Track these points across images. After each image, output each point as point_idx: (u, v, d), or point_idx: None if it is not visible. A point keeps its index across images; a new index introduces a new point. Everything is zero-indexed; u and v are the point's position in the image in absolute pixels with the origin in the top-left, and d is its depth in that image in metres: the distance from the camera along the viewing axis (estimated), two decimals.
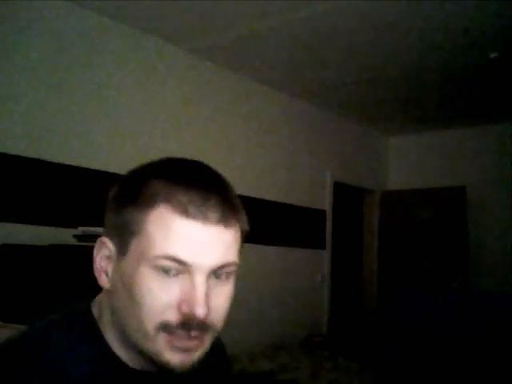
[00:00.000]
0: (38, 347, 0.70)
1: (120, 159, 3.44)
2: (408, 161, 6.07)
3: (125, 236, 0.70)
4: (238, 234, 0.73)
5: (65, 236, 2.71)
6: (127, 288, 0.69)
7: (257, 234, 4.35)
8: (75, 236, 2.57)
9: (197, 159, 0.77)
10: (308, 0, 3.11)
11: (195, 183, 0.69)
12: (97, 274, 0.74)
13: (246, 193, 4.30)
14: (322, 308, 5.13)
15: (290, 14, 3.29)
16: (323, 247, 5.17)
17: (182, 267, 0.67)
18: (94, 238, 2.64)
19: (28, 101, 3.00)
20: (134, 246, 0.68)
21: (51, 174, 3.06)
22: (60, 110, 3.15)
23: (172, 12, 3.30)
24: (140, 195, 0.69)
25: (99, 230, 2.73)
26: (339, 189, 5.48)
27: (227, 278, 0.72)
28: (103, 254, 0.74)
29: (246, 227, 0.75)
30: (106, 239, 0.74)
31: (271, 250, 4.54)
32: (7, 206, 2.86)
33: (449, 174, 5.65)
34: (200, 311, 0.65)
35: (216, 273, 0.70)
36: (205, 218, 0.67)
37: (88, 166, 3.23)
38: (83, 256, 2.42)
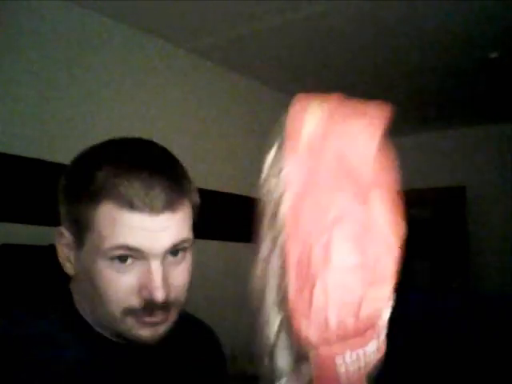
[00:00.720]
0: (21, 334, 0.71)
1: None
2: (408, 161, 6.03)
3: (79, 230, 0.72)
4: (189, 210, 0.75)
5: None
6: (89, 278, 0.71)
7: (257, 234, 4.35)
8: None
9: (140, 137, 0.80)
10: (308, 0, 3.11)
11: (138, 172, 0.69)
12: (61, 262, 0.76)
13: (246, 193, 4.30)
14: None
15: (290, 14, 3.29)
16: None
17: (135, 254, 0.69)
18: None
19: (28, 101, 3.00)
20: (88, 240, 0.71)
21: (51, 174, 3.05)
22: (60, 110, 3.15)
23: (172, 12, 3.30)
24: (86, 191, 0.71)
25: None
26: None
27: (183, 254, 0.74)
28: (64, 243, 0.75)
29: (197, 200, 0.78)
30: (63, 229, 0.75)
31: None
32: (7, 206, 2.85)
33: (449, 174, 5.65)
34: (159, 295, 0.68)
35: (171, 252, 0.72)
36: (151, 209, 0.68)
37: None
38: None
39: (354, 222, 0.54)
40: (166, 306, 0.70)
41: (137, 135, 3.40)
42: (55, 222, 2.72)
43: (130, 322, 0.71)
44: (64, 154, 3.15)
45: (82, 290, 0.75)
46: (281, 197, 0.56)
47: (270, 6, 3.19)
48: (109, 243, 0.68)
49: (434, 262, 5.51)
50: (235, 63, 4.15)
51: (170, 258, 0.72)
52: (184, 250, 0.74)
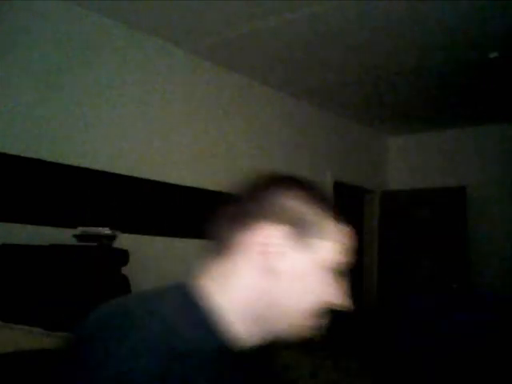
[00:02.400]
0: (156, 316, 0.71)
1: (120, 159, 3.44)
2: (408, 161, 6.07)
3: (306, 237, 0.80)
4: None
5: (65, 236, 2.72)
6: (298, 278, 0.79)
7: None
8: (75, 236, 2.58)
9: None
10: (308, 0, 3.11)
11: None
12: (272, 256, 0.78)
13: None
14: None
15: (290, 14, 3.29)
16: None
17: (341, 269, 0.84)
18: (94, 238, 2.64)
19: (28, 101, 3.00)
20: (316, 248, 0.81)
21: (51, 174, 3.06)
22: (60, 109, 3.15)
23: (172, 12, 3.30)
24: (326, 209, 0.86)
25: (99, 229, 2.75)
26: (339, 189, 5.48)
27: None
28: (276, 240, 0.79)
29: None
30: (277, 227, 0.79)
31: None
32: (7, 206, 2.86)
33: (449, 174, 5.65)
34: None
35: None
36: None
37: (88, 166, 3.23)
38: (83, 256, 2.43)
39: None
40: None
41: (137, 135, 3.41)
42: (55, 222, 2.71)
43: (311, 319, 0.85)
44: (64, 154, 3.16)
45: (271, 285, 0.78)
46: None
47: (270, 6, 3.19)
48: (336, 259, 0.85)
49: (434, 262, 5.51)
50: (235, 63, 4.15)
51: None
52: None
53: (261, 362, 0.85)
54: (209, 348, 0.73)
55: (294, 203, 0.80)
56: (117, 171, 3.39)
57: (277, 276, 0.78)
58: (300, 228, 0.79)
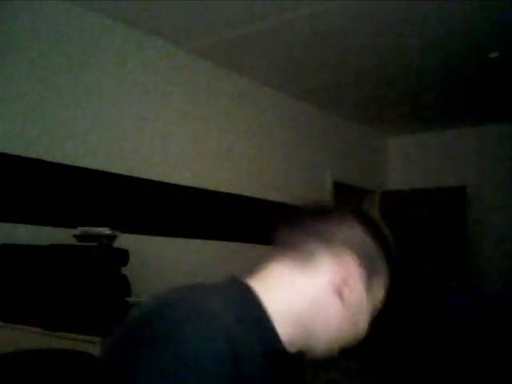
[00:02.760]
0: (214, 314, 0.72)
1: (120, 159, 3.44)
2: (408, 161, 6.07)
3: (375, 276, 0.84)
4: None
5: (65, 236, 2.71)
6: (355, 311, 0.83)
7: (258, 234, 4.34)
8: (75, 236, 2.58)
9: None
10: (308, 0, 3.11)
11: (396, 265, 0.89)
12: (341, 287, 0.81)
13: (246, 193, 4.30)
14: None
15: (290, 14, 3.29)
16: None
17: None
18: (94, 238, 2.63)
19: (28, 101, 3.00)
20: (376, 288, 0.85)
21: (51, 174, 3.06)
22: (60, 109, 3.15)
23: (172, 12, 3.30)
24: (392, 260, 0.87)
25: (99, 229, 2.74)
26: (339, 189, 5.48)
27: None
28: (355, 271, 0.82)
29: None
30: (360, 261, 0.83)
31: (271, 250, 4.53)
32: (7, 205, 2.85)
33: (449, 174, 5.65)
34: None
35: None
36: None
37: (88, 166, 3.23)
38: (83, 256, 2.43)
39: None
40: None
41: (136, 134, 3.40)
42: (55, 222, 2.70)
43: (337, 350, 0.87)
44: (64, 154, 3.16)
45: (325, 310, 0.81)
46: None
47: (270, 6, 3.19)
48: (378, 303, 0.88)
49: (434, 261, 5.51)
50: (235, 63, 4.15)
51: None
52: None
53: (294, 369, 0.88)
54: (262, 348, 0.75)
55: (373, 242, 0.84)
56: (117, 171, 3.39)
57: (340, 301, 0.81)
58: (373, 268, 0.83)
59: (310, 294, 0.80)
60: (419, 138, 6.01)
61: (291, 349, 0.80)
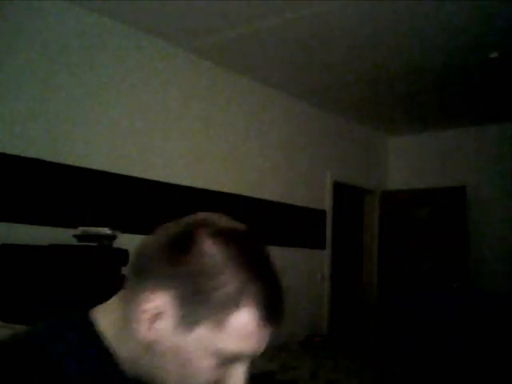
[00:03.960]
0: (41, 347, 0.69)
1: (120, 159, 3.44)
2: (408, 161, 6.07)
3: (196, 312, 0.66)
4: None
5: (65, 236, 2.72)
6: (178, 360, 0.68)
7: None
8: (75, 236, 2.58)
9: (244, 227, 0.75)
10: (308, 0, 3.11)
11: (276, 295, 0.71)
12: (142, 321, 0.68)
13: (246, 193, 4.31)
14: (322, 308, 5.13)
15: (290, 14, 3.29)
16: (323, 247, 5.17)
17: (237, 360, 0.69)
18: (94, 238, 2.63)
19: (28, 101, 3.00)
20: (205, 330, 0.67)
21: (51, 174, 3.06)
22: (60, 109, 3.15)
23: (172, 12, 3.30)
24: (222, 293, 0.66)
25: (99, 229, 2.74)
26: (339, 189, 5.48)
27: None
28: (158, 310, 0.68)
29: None
30: (165, 295, 0.67)
31: (271, 250, 4.50)
32: (7, 206, 2.86)
33: (449, 174, 5.65)
34: None
35: None
36: (277, 327, 0.71)
37: (88, 166, 3.23)
38: (83, 256, 2.43)
39: None
40: None
41: (136, 134, 3.41)
42: (55, 222, 2.71)
43: None
44: (64, 154, 3.16)
45: (151, 358, 0.70)
46: None
47: (270, 6, 3.19)
48: (229, 346, 0.67)
49: (434, 261, 5.51)
50: (235, 63, 4.15)
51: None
52: None
53: None
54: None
55: (196, 261, 0.66)
56: (117, 171, 3.39)
57: (157, 353, 0.69)
58: (198, 305, 0.66)
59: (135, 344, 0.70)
60: (419, 138, 6.01)
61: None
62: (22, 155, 2.92)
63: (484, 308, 3.75)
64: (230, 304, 0.66)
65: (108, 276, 2.37)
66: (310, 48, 3.81)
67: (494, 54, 3.77)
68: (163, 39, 3.72)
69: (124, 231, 2.89)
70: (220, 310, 0.66)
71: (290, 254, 4.76)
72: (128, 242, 2.81)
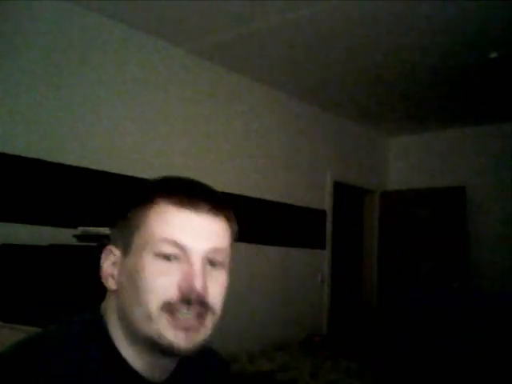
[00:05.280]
0: (50, 351, 0.74)
1: (120, 159, 3.44)
2: (408, 161, 6.07)
3: (129, 234, 0.79)
4: (228, 229, 0.83)
5: (65, 236, 2.71)
6: (132, 279, 0.77)
7: (257, 234, 4.35)
8: (75, 236, 2.57)
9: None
10: (308, 0, 3.11)
11: (189, 186, 0.82)
12: (104, 279, 0.82)
13: (246, 193, 4.31)
14: (322, 308, 5.13)
15: (290, 14, 3.29)
16: (323, 247, 5.17)
17: (179, 251, 0.76)
18: (94, 238, 2.63)
19: (28, 101, 3.00)
20: (137, 239, 0.78)
21: (51, 174, 3.06)
22: (60, 109, 3.15)
23: (172, 12, 3.30)
24: (141, 197, 0.81)
25: (99, 229, 2.74)
26: (339, 189, 5.48)
27: (221, 266, 0.80)
28: (110, 261, 0.82)
29: (235, 227, 0.86)
30: (112, 247, 0.82)
31: (271, 250, 4.54)
32: (7, 206, 2.86)
33: (449, 174, 5.65)
34: (197, 283, 0.74)
35: (210, 260, 0.78)
36: (197, 208, 0.78)
37: (88, 166, 3.23)
38: (83, 256, 2.43)
39: None
40: (202, 302, 0.75)
41: (136, 134, 3.40)
42: (55, 222, 2.70)
43: (164, 321, 0.74)
44: (64, 154, 3.16)
45: (121, 299, 0.79)
46: None
47: (270, 6, 3.19)
48: (157, 236, 0.76)
49: (434, 261, 5.51)
50: (235, 63, 4.15)
51: (209, 267, 0.78)
52: (221, 265, 0.80)
53: None
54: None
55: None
56: (117, 171, 3.39)
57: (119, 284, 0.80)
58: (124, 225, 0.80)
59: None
60: (419, 138, 6.01)
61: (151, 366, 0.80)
62: (22, 155, 2.92)
63: (484, 308, 3.75)
64: (146, 203, 0.78)
65: None
66: (310, 48, 3.81)
67: (493, 54, 3.77)
68: (163, 39, 3.72)
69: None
70: (140, 211, 0.78)
71: (290, 254, 4.76)
72: None
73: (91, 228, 2.62)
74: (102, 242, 2.68)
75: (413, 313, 4.01)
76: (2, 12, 2.90)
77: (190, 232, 0.76)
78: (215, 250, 0.78)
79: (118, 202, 0.84)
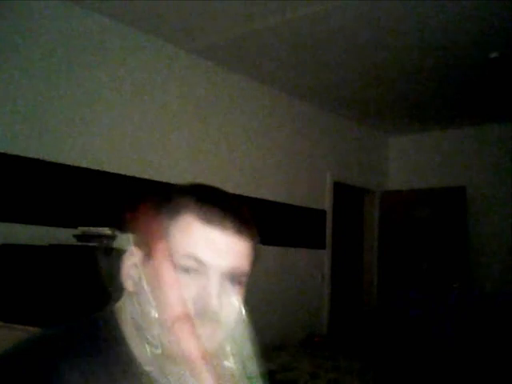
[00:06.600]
0: (61, 347, 0.75)
1: (120, 159, 3.44)
2: (408, 161, 6.07)
3: (152, 240, 0.78)
4: (251, 249, 0.82)
5: (65, 236, 2.72)
6: (150, 286, 0.77)
7: (257, 234, 4.34)
8: (75, 236, 2.58)
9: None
10: (308, 0, 3.11)
11: (217, 201, 0.80)
12: (124, 279, 0.82)
13: (246, 193, 4.30)
14: (322, 308, 5.13)
15: (290, 14, 3.29)
16: (323, 247, 5.17)
17: (199, 266, 0.76)
18: (94, 238, 2.62)
19: (28, 101, 3.00)
20: (160, 247, 0.77)
21: (51, 174, 3.06)
22: (60, 109, 3.15)
23: (172, 12, 3.30)
24: (167, 205, 0.80)
25: (99, 229, 2.74)
26: (339, 189, 5.48)
27: (239, 285, 0.81)
28: (130, 262, 0.82)
29: (258, 244, 0.86)
30: (135, 248, 0.82)
31: (271, 250, 4.54)
32: (7, 206, 2.86)
33: (449, 174, 5.65)
34: (214, 303, 0.75)
35: (229, 278, 0.79)
36: (223, 228, 0.78)
37: (88, 166, 3.23)
38: (83, 256, 2.43)
39: None
40: (216, 318, 0.76)
41: (136, 134, 3.40)
42: (55, 222, 2.70)
43: (178, 330, 0.74)
44: (64, 154, 3.16)
45: (137, 303, 0.79)
46: None
47: (270, 6, 3.19)
48: (181, 250, 0.76)
49: (434, 261, 5.51)
50: (235, 63, 4.15)
51: (227, 284, 0.78)
52: (240, 283, 0.81)
53: None
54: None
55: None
56: (117, 171, 3.39)
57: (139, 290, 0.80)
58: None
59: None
60: (419, 138, 6.01)
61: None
62: (22, 155, 2.92)
63: (484, 308, 3.75)
64: (173, 213, 0.78)
65: None
66: (310, 48, 3.81)
67: (493, 54, 3.77)
68: (163, 39, 3.72)
69: (124, 231, 2.89)
70: (166, 220, 0.78)
71: (290, 254, 4.76)
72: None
73: (91, 228, 2.62)
74: (102, 242, 2.69)
75: (413, 312, 4.01)
76: (2, 12, 2.90)
77: (213, 249, 0.77)
78: (236, 269, 0.79)
79: (140, 206, 0.84)
